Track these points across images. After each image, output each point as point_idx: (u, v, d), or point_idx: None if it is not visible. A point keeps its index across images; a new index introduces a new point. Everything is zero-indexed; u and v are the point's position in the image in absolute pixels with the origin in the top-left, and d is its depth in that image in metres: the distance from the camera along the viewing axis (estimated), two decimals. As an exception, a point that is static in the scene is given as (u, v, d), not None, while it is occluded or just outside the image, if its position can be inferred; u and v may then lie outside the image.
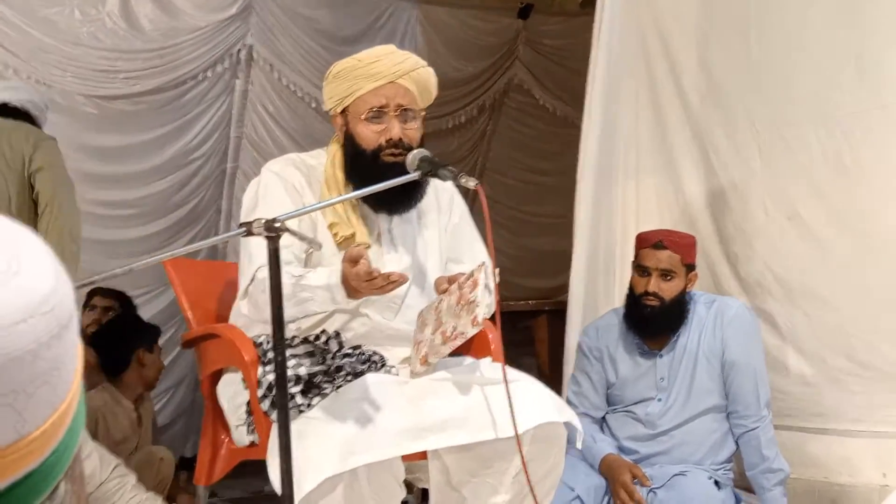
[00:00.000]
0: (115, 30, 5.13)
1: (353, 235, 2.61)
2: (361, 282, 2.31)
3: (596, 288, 4.15)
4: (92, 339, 4.33)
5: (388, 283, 2.32)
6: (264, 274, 2.43)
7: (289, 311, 2.39)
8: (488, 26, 6.54)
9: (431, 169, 2.53)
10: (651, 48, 4.14)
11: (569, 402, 3.59)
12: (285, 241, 2.18)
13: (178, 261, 2.95)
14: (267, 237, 2.14)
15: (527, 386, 2.53)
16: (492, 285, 2.45)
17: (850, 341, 3.55)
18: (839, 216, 3.55)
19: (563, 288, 4.48)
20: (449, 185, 2.78)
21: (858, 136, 3.46)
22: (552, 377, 4.39)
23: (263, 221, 2.14)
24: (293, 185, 2.68)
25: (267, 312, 2.27)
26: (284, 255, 2.25)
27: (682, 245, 3.47)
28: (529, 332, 6.05)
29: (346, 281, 2.37)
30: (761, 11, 3.71)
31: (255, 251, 2.52)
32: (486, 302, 2.38)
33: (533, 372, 6.38)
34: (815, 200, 3.60)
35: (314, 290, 2.44)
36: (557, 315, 4.81)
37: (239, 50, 5.54)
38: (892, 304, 3.43)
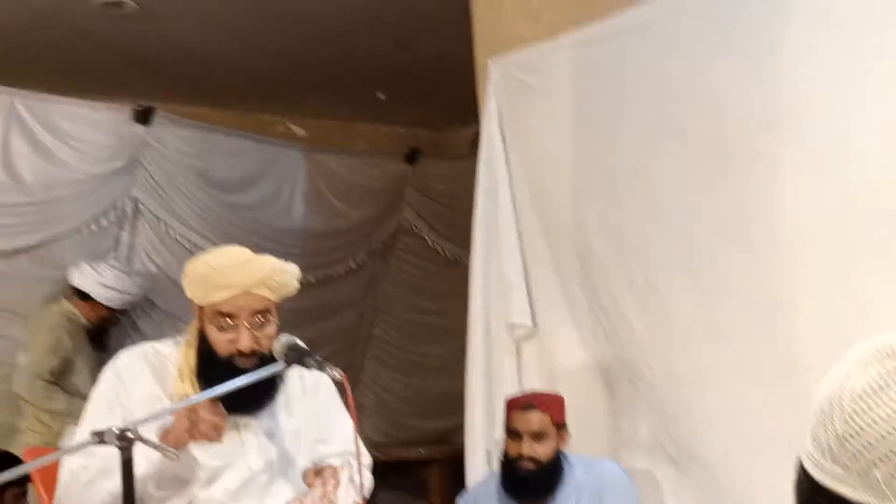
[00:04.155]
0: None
1: None
2: (191, 410, 2.38)
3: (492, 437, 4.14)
4: None
5: (210, 421, 2.40)
6: (78, 475, 2.50)
7: (107, 486, 2.38)
8: (376, 172, 6.62)
9: (298, 358, 2.52)
10: (529, 203, 4.18)
11: None
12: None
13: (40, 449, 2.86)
14: (119, 447, 2.11)
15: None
16: (357, 480, 2.44)
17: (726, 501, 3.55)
18: (711, 376, 3.57)
19: (455, 430, 4.47)
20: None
21: (720, 296, 3.49)
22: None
23: (116, 432, 2.10)
24: (127, 384, 2.64)
25: None
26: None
27: (552, 405, 3.48)
28: (422, 479, 6.03)
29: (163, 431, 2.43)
30: (626, 178, 3.77)
31: (69, 462, 2.53)
32: (347, 502, 2.36)
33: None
34: (686, 360, 3.64)
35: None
36: (449, 463, 4.79)
37: (124, 203, 5.51)
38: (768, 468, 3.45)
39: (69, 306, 5.19)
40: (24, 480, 4.43)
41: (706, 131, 3.49)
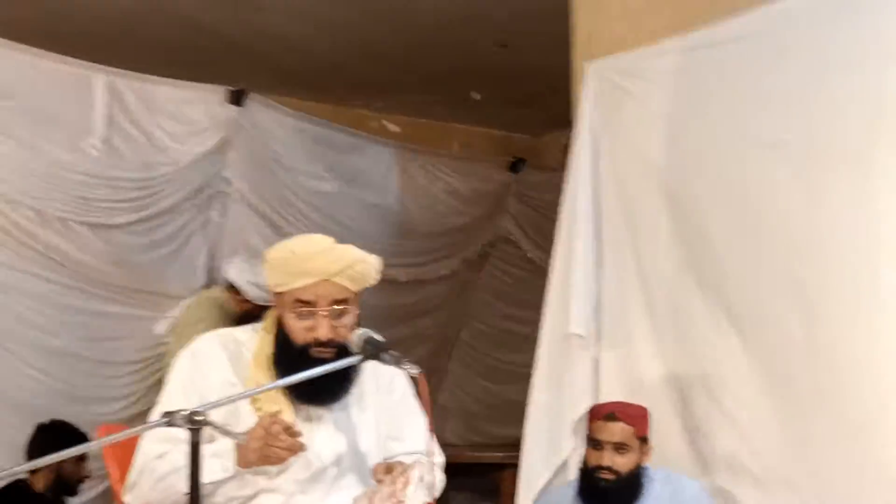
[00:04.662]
0: (98, 158, 5.15)
1: (278, 412, 2.53)
2: (266, 432, 2.35)
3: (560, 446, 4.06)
4: None
5: (286, 447, 2.37)
6: (154, 466, 2.48)
7: (178, 486, 2.32)
8: (477, 179, 6.57)
9: (374, 352, 2.48)
10: (617, 210, 4.10)
11: None
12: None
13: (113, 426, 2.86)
14: (189, 430, 2.09)
15: None
16: (427, 479, 2.38)
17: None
18: (814, 399, 3.43)
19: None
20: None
21: (813, 309, 3.39)
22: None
23: (186, 413, 2.08)
24: (203, 369, 2.63)
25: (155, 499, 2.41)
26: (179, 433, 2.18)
27: (636, 417, 3.41)
28: (495, 483, 5.96)
29: (241, 446, 2.41)
30: (724, 188, 3.66)
31: (147, 447, 2.53)
32: (417, 502, 2.31)
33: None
34: (791, 382, 3.50)
35: (204, 459, 2.37)
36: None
37: (217, 183, 5.56)
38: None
39: (220, 294, 5.37)
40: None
41: (810, 142, 3.43)
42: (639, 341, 3.97)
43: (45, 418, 4.73)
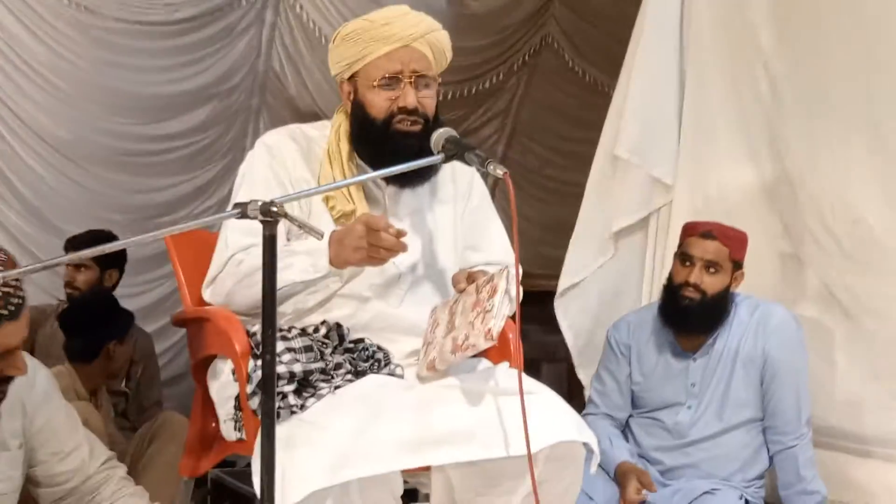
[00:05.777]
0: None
1: (352, 212, 2.38)
2: (367, 234, 2.19)
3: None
4: (61, 319, 3.97)
5: (389, 249, 2.21)
6: (241, 259, 2.33)
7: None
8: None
9: (457, 152, 2.28)
10: (720, 24, 3.85)
11: (590, 401, 3.41)
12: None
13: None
14: (263, 221, 1.91)
15: (545, 400, 2.28)
16: (513, 291, 2.21)
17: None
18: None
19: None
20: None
21: None
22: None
23: (260, 204, 1.90)
24: (282, 161, 2.46)
25: (237, 301, 2.34)
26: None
27: (734, 239, 3.23)
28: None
29: (335, 241, 2.25)
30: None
31: (231, 238, 2.37)
32: (503, 313, 2.14)
33: (559, 353, 6.13)
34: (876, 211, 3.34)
35: (295, 256, 2.26)
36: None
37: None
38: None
39: None
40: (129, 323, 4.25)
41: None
42: (728, 161, 3.79)
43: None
